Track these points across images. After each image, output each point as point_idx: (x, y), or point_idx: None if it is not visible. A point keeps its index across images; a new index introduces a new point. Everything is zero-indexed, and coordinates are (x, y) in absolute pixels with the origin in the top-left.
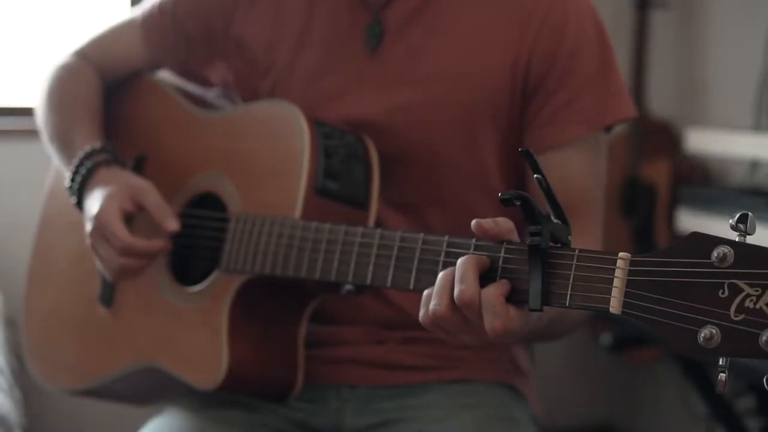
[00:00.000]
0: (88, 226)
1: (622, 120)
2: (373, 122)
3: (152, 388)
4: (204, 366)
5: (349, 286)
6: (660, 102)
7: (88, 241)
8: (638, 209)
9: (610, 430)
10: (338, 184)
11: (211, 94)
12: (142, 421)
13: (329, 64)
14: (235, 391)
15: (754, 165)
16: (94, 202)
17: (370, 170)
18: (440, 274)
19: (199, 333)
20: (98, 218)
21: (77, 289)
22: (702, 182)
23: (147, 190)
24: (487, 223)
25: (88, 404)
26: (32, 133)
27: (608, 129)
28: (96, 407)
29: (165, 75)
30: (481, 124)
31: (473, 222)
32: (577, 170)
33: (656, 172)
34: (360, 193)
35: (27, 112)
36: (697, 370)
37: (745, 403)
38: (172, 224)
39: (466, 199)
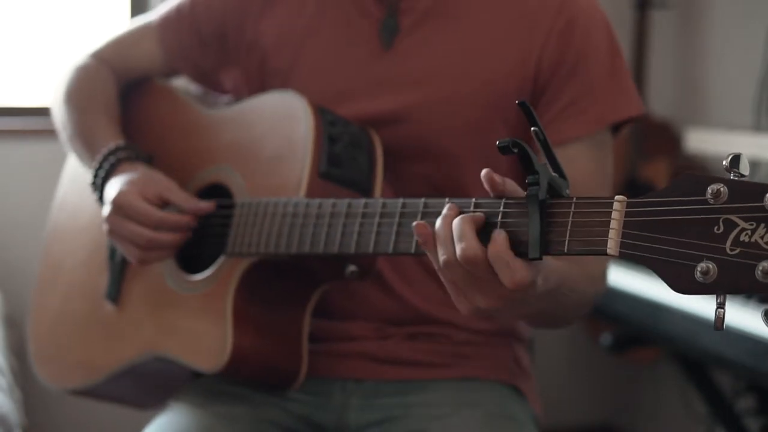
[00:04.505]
0: (106, 210)
1: (629, 119)
2: (383, 119)
3: (157, 382)
4: (208, 349)
5: (352, 267)
6: (660, 102)
7: (105, 226)
8: None
9: (610, 430)
10: (342, 169)
11: (222, 101)
12: (143, 421)
13: (339, 60)
14: (238, 376)
15: (754, 165)
16: (112, 189)
17: (373, 159)
18: (437, 226)
19: (204, 317)
20: (117, 201)
21: (84, 289)
22: None
23: (172, 187)
24: (498, 176)
25: (88, 404)
26: (33, 134)
27: (616, 129)
28: (96, 407)
29: (176, 80)
30: (491, 123)
31: (484, 170)
32: (583, 169)
33: (656, 171)
34: (363, 179)
35: (28, 113)
36: (697, 370)
37: (745, 403)
38: (204, 204)
39: (473, 197)
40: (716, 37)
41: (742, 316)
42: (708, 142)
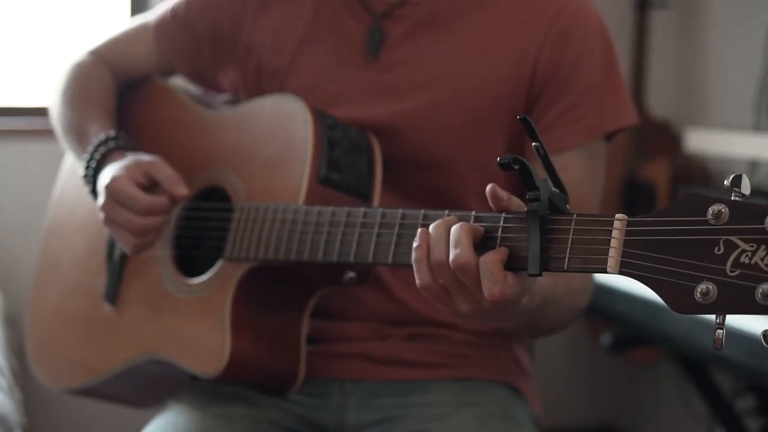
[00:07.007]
0: (100, 200)
1: (623, 128)
2: (375, 126)
3: (156, 382)
4: (206, 354)
5: (350, 274)
6: (660, 102)
7: (100, 215)
8: (638, 209)
9: (610, 430)
10: (341, 174)
11: (220, 99)
12: (143, 421)
13: (331, 67)
14: (236, 381)
15: (754, 165)
16: (105, 177)
17: (373, 164)
18: (432, 226)
19: (202, 321)
20: (110, 187)
21: (82, 289)
22: (701, 182)
23: (158, 163)
24: (503, 192)
25: (88, 404)
26: (34, 134)
27: (609, 137)
28: (96, 407)
29: (176, 80)
30: (486, 130)
31: (489, 185)
32: (576, 177)
33: (656, 172)
34: (363, 184)
35: (28, 112)
36: (697, 370)
37: (745, 403)
38: (182, 189)
39: (471, 206)
40: (716, 37)
41: (741, 317)
42: (708, 142)
